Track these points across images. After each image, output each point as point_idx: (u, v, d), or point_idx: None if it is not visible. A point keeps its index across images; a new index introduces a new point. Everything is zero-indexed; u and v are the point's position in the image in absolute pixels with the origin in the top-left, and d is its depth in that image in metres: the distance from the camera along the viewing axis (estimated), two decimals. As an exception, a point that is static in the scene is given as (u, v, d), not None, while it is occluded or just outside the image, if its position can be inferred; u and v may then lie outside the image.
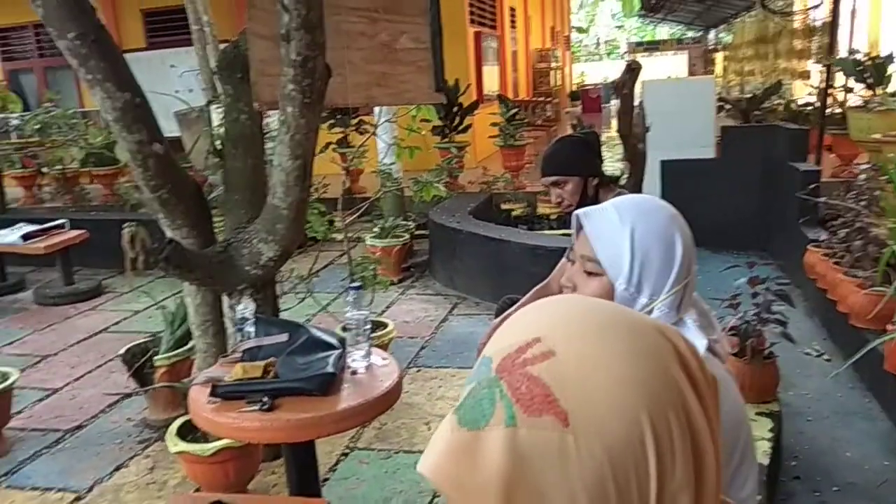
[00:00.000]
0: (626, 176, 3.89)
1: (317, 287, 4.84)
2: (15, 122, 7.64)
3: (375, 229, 5.28)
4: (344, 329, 2.26)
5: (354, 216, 4.00)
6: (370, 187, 7.05)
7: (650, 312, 1.02)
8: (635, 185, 3.77)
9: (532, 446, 0.44)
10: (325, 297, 4.74)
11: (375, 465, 2.81)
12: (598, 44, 38.90)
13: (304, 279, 3.79)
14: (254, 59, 2.59)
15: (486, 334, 2.08)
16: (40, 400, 3.64)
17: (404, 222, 5.49)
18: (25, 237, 5.26)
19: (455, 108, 7.64)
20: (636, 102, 3.85)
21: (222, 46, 3.33)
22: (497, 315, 2.55)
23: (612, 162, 7.77)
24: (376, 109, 5.60)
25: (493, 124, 7.89)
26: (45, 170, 8.48)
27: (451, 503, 0.47)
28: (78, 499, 2.74)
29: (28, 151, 7.97)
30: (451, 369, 3.67)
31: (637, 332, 0.49)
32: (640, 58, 7.94)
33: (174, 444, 2.48)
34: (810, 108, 8.01)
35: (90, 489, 2.80)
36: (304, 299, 3.87)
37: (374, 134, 4.74)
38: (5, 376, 3.20)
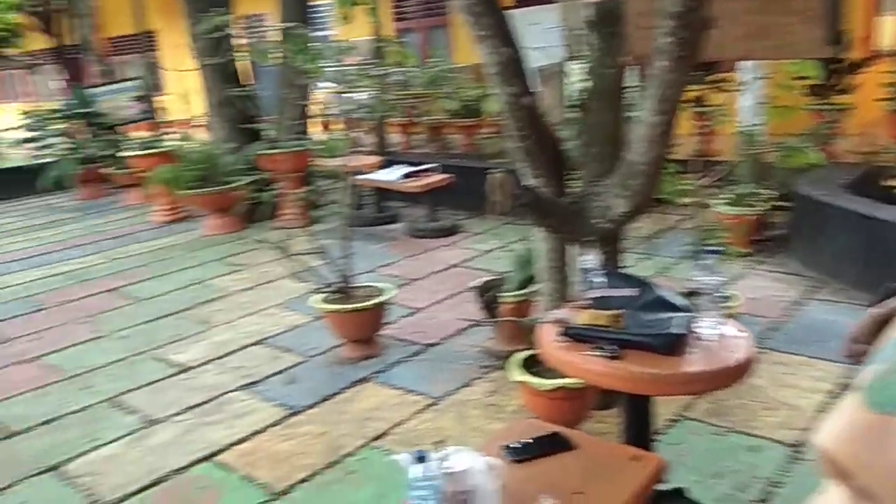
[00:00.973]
0: None
1: (656, 249, 4.76)
2: (400, 76, 8.81)
3: (727, 195, 4.95)
4: (689, 294, 2.19)
5: (709, 179, 3.81)
6: (724, 150, 6.60)
7: None
8: None
9: None
10: (663, 260, 4.64)
11: (707, 439, 2.71)
12: None
13: (646, 239, 3.75)
14: (631, 12, 2.58)
15: (861, 325, 1.82)
16: (406, 316, 4.25)
17: (762, 190, 5.04)
18: (405, 176, 6.11)
19: (839, 64, 6.66)
20: None
21: (593, 1, 3.36)
22: (874, 304, 2.22)
23: None
24: (742, 65, 5.18)
25: (890, 84, 6.69)
26: (417, 119, 9.67)
27: (849, 479, 0.46)
28: (432, 404, 3.17)
29: (408, 102, 9.15)
30: (802, 357, 3.32)
31: None
32: None
33: (516, 375, 2.70)
34: None
35: (441, 398, 3.21)
36: (645, 259, 3.84)
37: (738, 91, 4.40)
38: (383, 291, 3.81)
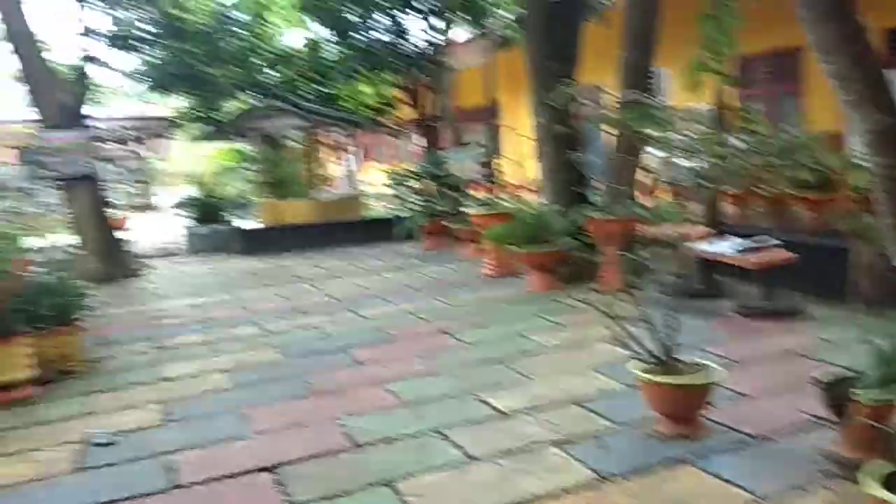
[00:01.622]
0: None
1: None
2: (743, 145, 8.32)
3: None
4: None
5: None
6: None
7: None
8: None
9: None
10: None
11: None
12: None
13: None
14: None
15: None
16: (731, 400, 3.90)
17: None
18: (741, 250, 5.72)
19: None
20: None
21: None
22: None
23: None
24: None
25: None
26: (756, 189, 8.99)
27: None
28: (758, 503, 2.85)
29: (750, 172, 8.58)
30: None
31: None
32: None
33: (875, 491, 2.29)
34: None
35: (770, 499, 2.87)
36: None
37: None
38: (707, 369, 3.56)
